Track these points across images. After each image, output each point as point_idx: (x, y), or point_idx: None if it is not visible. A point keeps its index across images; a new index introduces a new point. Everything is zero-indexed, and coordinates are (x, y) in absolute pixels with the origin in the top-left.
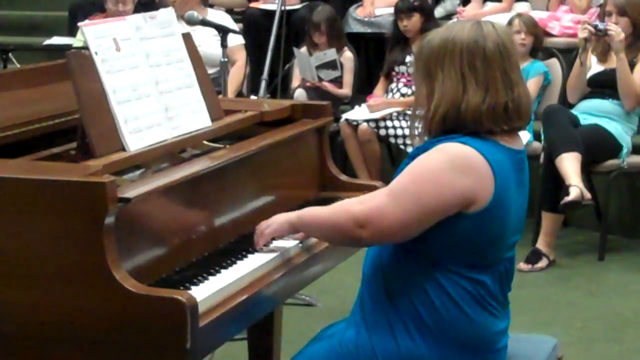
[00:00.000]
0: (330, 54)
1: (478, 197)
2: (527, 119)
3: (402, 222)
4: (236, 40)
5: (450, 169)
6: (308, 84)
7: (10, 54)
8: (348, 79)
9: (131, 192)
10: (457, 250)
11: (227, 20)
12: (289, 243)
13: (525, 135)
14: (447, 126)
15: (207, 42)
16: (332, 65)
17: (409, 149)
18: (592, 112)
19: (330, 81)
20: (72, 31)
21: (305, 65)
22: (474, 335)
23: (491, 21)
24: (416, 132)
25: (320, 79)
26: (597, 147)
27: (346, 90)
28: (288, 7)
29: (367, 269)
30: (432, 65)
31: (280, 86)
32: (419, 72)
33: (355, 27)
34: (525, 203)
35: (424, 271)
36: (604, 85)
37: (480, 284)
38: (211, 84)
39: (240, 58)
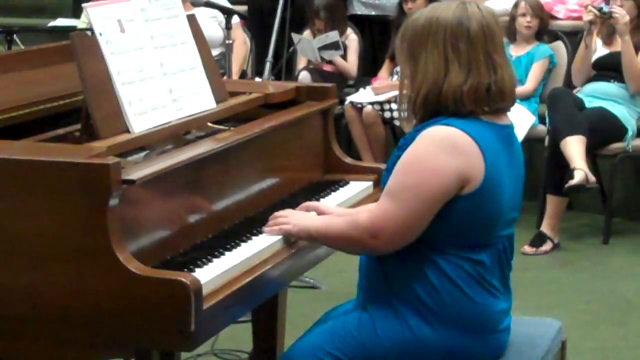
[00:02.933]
0: (333, 35)
1: (470, 176)
2: (511, 100)
3: (408, 218)
4: (233, 19)
5: (439, 153)
6: (312, 66)
7: (14, 36)
8: (352, 58)
9: (135, 174)
10: (453, 233)
11: (221, 0)
12: None
13: (530, 118)
14: (429, 108)
15: (204, 24)
16: (334, 46)
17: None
18: (597, 95)
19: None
20: (77, 13)
21: (307, 49)
22: (476, 316)
23: (477, 2)
24: (404, 115)
25: (323, 59)
26: (602, 130)
27: (350, 70)
28: None
29: (364, 257)
30: (415, 45)
31: (284, 68)
32: (403, 53)
33: (360, 10)
34: (520, 179)
35: (421, 255)
36: (609, 68)
37: (479, 264)
38: (215, 66)
39: (239, 36)
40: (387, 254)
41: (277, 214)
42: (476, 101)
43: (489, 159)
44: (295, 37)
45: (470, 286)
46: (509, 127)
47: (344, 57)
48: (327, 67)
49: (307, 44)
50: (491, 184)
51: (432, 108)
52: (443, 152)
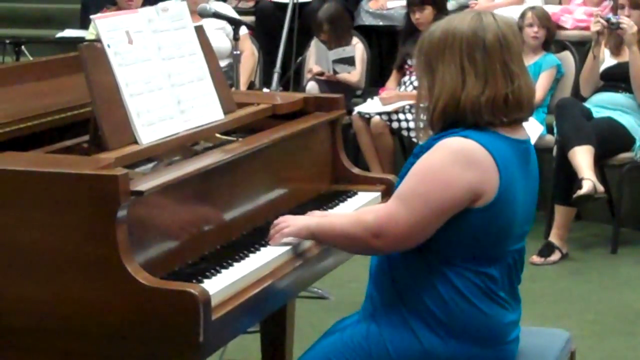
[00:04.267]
0: (349, 50)
1: (484, 190)
2: (529, 110)
3: (414, 225)
4: (241, 31)
5: (454, 164)
6: (323, 77)
7: (23, 47)
8: (359, 67)
9: (143, 185)
10: (464, 245)
11: (229, 10)
12: None
13: (538, 128)
14: (447, 119)
15: (212, 35)
16: (349, 61)
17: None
18: (605, 105)
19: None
20: (85, 24)
21: (322, 56)
22: (485, 328)
23: (492, 12)
24: (421, 126)
25: (336, 72)
26: (610, 140)
27: (357, 78)
28: (300, 0)
29: (374, 267)
30: (432, 58)
31: (292, 79)
32: (420, 65)
33: (367, 20)
34: (534, 193)
35: (431, 267)
36: (616, 79)
37: (488, 277)
38: (223, 77)
39: (247, 47)
40: (386, 254)
41: (275, 222)
42: (494, 112)
43: (504, 174)
44: (314, 40)
45: (479, 298)
46: (526, 142)
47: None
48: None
49: (323, 54)
50: (504, 199)
51: (450, 119)
52: (458, 164)
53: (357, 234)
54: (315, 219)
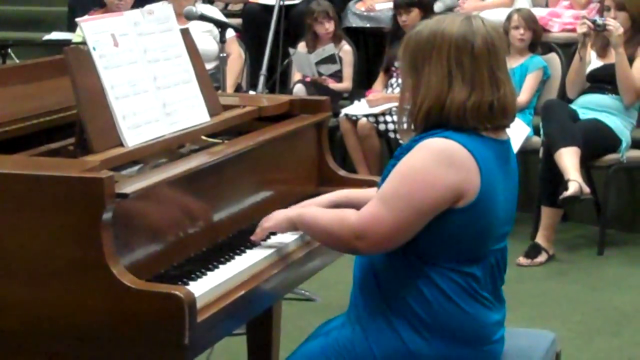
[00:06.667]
0: (329, 48)
1: (466, 190)
2: (512, 117)
3: (397, 226)
4: (228, 33)
5: (436, 165)
6: (308, 79)
7: (9, 50)
8: (348, 72)
9: (129, 188)
10: (446, 246)
11: (215, 13)
12: (288, 238)
13: (524, 130)
14: (431, 121)
15: (198, 38)
16: (331, 59)
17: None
18: (591, 106)
19: (330, 75)
20: (72, 27)
21: (303, 63)
22: (469, 328)
23: (481, 16)
24: (404, 127)
25: (321, 74)
26: (596, 142)
27: (346, 83)
28: (287, 2)
29: (358, 269)
30: (419, 58)
31: (279, 81)
32: (406, 64)
33: (355, 22)
34: (513, 194)
35: (414, 268)
36: (603, 80)
37: (470, 277)
38: (209, 79)
39: (234, 50)
40: (368, 255)
41: (259, 223)
42: (478, 117)
43: (485, 174)
44: (291, 51)
45: (462, 298)
46: (507, 142)
47: (340, 70)
48: (326, 80)
49: (304, 59)
50: (485, 199)
51: (433, 121)
52: (440, 164)
53: (339, 234)
54: (297, 210)
